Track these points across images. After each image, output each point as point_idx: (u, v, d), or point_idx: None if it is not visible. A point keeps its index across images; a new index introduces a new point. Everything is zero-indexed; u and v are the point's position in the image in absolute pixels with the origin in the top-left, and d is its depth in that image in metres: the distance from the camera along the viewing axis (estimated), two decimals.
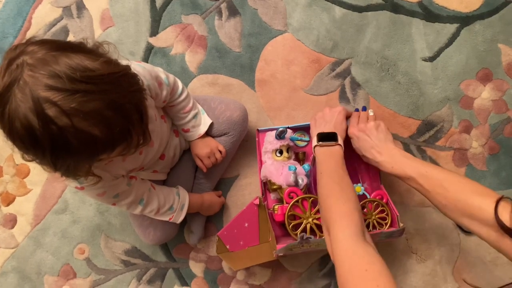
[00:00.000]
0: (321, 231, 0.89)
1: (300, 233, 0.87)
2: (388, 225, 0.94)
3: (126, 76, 0.57)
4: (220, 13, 1.09)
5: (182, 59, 1.08)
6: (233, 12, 1.09)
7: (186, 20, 1.09)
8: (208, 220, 1.05)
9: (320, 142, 0.87)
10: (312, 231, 0.90)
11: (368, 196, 0.95)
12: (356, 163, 1.00)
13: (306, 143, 1.02)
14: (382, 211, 0.94)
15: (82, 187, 0.71)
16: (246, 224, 0.92)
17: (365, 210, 0.92)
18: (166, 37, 1.08)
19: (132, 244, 1.06)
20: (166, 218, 0.90)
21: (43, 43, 0.53)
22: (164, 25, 1.09)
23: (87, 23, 1.09)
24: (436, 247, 1.05)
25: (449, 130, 1.07)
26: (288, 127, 0.97)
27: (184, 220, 0.95)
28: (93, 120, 0.51)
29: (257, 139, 1.00)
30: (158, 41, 1.08)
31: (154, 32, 1.09)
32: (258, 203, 0.92)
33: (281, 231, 0.95)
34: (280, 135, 0.94)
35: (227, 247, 0.90)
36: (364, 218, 0.91)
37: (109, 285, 1.05)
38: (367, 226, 0.91)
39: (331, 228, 0.68)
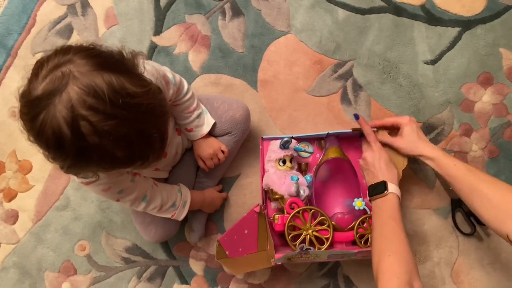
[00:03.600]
0: (320, 243, 0.91)
1: (299, 244, 0.87)
2: None
3: (160, 106, 0.58)
4: (223, 13, 1.10)
5: (186, 59, 1.09)
6: (237, 12, 1.10)
7: (190, 19, 1.10)
8: (209, 219, 1.05)
9: (371, 197, 0.88)
10: (311, 243, 0.90)
11: (369, 212, 0.94)
12: (359, 178, 1.00)
13: (309, 154, 1.02)
14: None
15: (87, 183, 0.72)
16: (246, 231, 0.92)
17: (365, 225, 0.93)
18: (170, 36, 1.09)
19: (133, 241, 1.06)
20: (168, 215, 0.90)
21: (92, 56, 0.54)
22: (168, 24, 1.09)
23: (91, 21, 1.10)
24: (434, 249, 1.05)
25: (449, 133, 1.08)
26: (293, 137, 0.97)
27: (185, 219, 0.95)
28: (120, 143, 0.53)
29: (261, 147, 1.00)
30: (161, 40, 1.09)
31: (158, 31, 1.09)
32: (259, 210, 0.92)
33: (280, 241, 0.94)
34: (285, 145, 0.94)
35: (227, 253, 0.90)
36: (362, 234, 0.92)
37: (109, 282, 1.06)
38: (365, 241, 0.92)
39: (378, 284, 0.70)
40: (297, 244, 0.89)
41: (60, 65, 0.52)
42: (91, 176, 0.62)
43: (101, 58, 0.55)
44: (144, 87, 0.56)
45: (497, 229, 0.72)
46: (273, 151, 0.96)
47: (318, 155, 1.02)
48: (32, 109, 0.52)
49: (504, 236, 0.70)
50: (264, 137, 1.01)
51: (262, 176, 0.98)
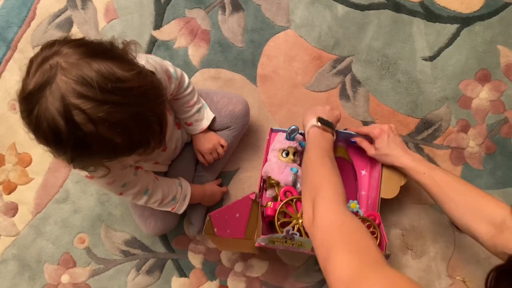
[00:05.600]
0: (307, 235, 0.90)
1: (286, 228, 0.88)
2: None
3: (153, 89, 0.58)
4: (223, 8, 1.10)
5: (185, 53, 1.09)
6: (237, 7, 1.10)
7: (190, 14, 1.10)
8: (207, 212, 1.06)
9: (319, 124, 0.87)
10: (299, 232, 0.90)
11: (361, 215, 0.94)
12: (358, 183, 1.00)
13: None
14: (372, 233, 0.93)
15: (92, 176, 0.73)
16: (237, 215, 0.92)
17: None
18: (170, 31, 1.09)
19: (132, 234, 1.07)
20: (168, 209, 0.91)
21: (78, 45, 0.54)
22: (168, 18, 1.10)
23: (91, 14, 1.10)
24: (431, 243, 1.06)
25: (447, 129, 1.09)
26: (301, 133, 0.97)
27: (184, 212, 0.96)
28: (117, 129, 0.53)
29: (268, 137, 1.01)
30: (161, 34, 1.09)
31: (158, 25, 1.10)
32: (254, 198, 0.93)
33: (268, 231, 0.94)
34: (291, 134, 0.94)
35: (215, 230, 0.90)
36: None
37: (108, 274, 1.07)
38: None
39: (321, 192, 0.71)
40: (285, 229, 0.89)
41: (48, 58, 0.53)
42: (100, 170, 0.63)
43: (89, 47, 0.55)
44: (134, 70, 0.55)
45: (465, 230, 0.77)
46: (279, 141, 0.97)
47: None
48: (27, 105, 0.53)
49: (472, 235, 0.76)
50: (273, 128, 1.02)
51: (263, 165, 0.98)
